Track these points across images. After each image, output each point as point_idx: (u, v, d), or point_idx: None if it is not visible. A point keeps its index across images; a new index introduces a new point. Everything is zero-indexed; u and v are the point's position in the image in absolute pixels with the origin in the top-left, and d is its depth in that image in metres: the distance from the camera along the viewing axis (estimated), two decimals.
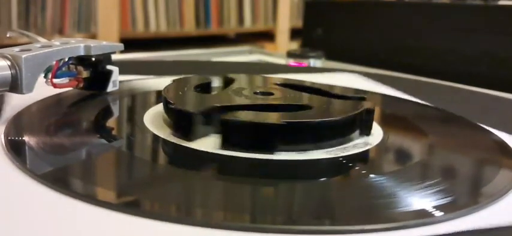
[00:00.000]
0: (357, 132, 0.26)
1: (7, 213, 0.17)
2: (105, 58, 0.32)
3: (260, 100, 0.28)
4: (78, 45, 0.29)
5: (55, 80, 0.30)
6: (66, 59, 0.30)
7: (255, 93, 0.29)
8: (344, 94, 0.29)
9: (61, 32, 1.18)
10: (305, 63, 0.57)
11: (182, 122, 0.24)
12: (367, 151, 0.25)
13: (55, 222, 0.17)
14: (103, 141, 0.25)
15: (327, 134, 0.25)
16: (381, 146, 0.26)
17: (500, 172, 0.23)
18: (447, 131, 0.31)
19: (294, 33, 1.41)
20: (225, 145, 0.23)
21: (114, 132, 0.28)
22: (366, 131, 0.27)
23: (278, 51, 0.75)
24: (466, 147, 0.28)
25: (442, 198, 0.19)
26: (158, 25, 1.33)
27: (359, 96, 0.29)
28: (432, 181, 0.21)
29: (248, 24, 1.50)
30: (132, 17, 1.29)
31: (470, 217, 0.18)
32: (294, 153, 0.23)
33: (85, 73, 0.32)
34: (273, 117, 0.24)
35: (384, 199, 0.19)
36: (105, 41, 0.32)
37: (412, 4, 0.62)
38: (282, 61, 0.60)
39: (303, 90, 0.30)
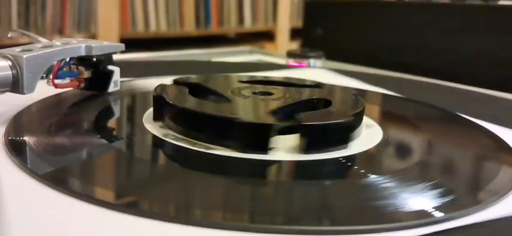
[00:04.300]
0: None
1: (7, 213, 0.17)
2: (106, 58, 0.33)
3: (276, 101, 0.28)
4: (79, 45, 0.30)
5: (56, 80, 0.30)
6: (68, 59, 0.30)
7: (254, 93, 0.29)
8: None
9: (61, 32, 1.18)
10: (305, 63, 0.57)
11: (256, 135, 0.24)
12: (367, 151, 0.25)
13: (55, 222, 0.17)
14: (103, 141, 0.25)
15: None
16: (381, 146, 0.26)
17: (501, 171, 0.23)
18: (447, 131, 0.31)
19: (294, 33, 1.40)
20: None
21: (114, 132, 0.28)
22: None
23: (278, 51, 0.75)
24: (466, 147, 0.28)
25: (442, 198, 0.19)
26: (158, 25, 1.33)
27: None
28: (432, 181, 0.21)
29: (248, 24, 1.50)
30: (132, 17, 1.29)
31: (471, 217, 0.18)
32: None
33: (86, 74, 0.32)
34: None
35: (384, 199, 0.19)
36: (105, 41, 0.32)
37: (412, 4, 0.62)
38: (282, 61, 0.60)
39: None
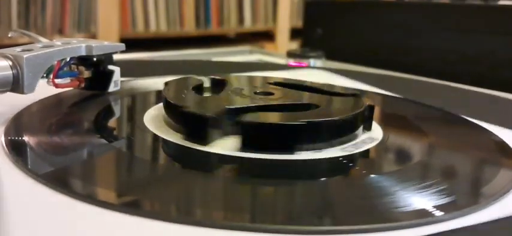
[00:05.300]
0: (361, 129, 0.27)
1: (7, 213, 0.17)
2: (107, 58, 0.33)
3: (262, 100, 0.28)
4: (79, 45, 0.30)
5: (56, 80, 0.30)
6: (68, 59, 0.30)
7: (255, 93, 0.29)
8: (341, 92, 0.30)
9: (61, 32, 1.18)
10: (305, 63, 0.57)
11: (196, 126, 0.24)
12: (367, 150, 0.25)
13: (56, 222, 0.17)
14: (103, 141, 0.25)
15: (338, 132, 0.25)
16: (381, 146, 0.26)
17: (500, 172, 0.23)
18: (447, 131, 0.31)
19: (294, 33, 1.41)
20: (245, 147, 0.23)
21: (114, 132, 0.28)
22: (368, 127, 0.28)
23: (278, 51, 0.75)
24: (466, 147, 0.28)
25: (442, 198, 0.19)
26: (158, 25, 1.33)
27: (356, 93, 0.29)
28: (432, 181, 0.21)
29: (248, 24, 1.50)
30: (132, 17, 1.29)
31: (471, 217, 0.18)
32: (311, 152, 0.24)
33: (86, 73, 0.32)
34: (292, 118, 0.25)
35: (384, 199, 0.19)
36: (105, 41, 0.32)
37: (412, 4, 0.62)
38: (282, 61, 0.60)
39: (300, 89, 0.30)
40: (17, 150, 0.22)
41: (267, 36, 1.51)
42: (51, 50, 0.28)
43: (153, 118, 0.28)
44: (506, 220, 0.18)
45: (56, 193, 0.18)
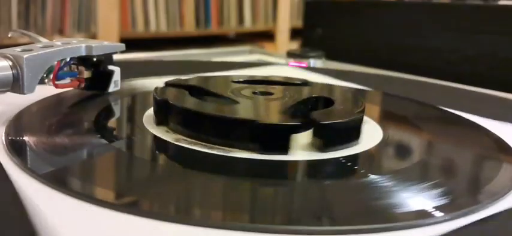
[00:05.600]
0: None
1: (7, 213, 0.17)
2: (107, 58, 0.33)
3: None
4: (79, 45, 0.30)
5: (56, 80, 0.30)
6: (68, 59, 0.30)
7: (254, 92, 0.29)
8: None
9: (61, 32, 1.18)
10: (305, 63, 0.57)
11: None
12: (367, 151, 0.25)
13: (55, 222, 0.17)
14: (103, 141, 0.25)
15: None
16: (381, 146, 0.26)
17: (500, 171, 0.23)
18: (447, 131, 0.31)
19: (294, 33, 1.41)
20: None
21: (114, 132, 0.28)
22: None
23: (278, 51, 0.75)
24: (466, 147, 0.28)
25: (442, 198, 0.19)
26: (158, 25, 1.33)
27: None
28: (432, 181, 0.21)
29: (248, 24, 1.50)
30: (132, 17, 1.29)
31: (471, 217, 0.18)
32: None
33: (86, 74, 0.32)
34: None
35: (384, 199, 0.19)
36: (105, 41, 0.32)
37: (412, 4, 0.62)
38: (282, 61, 0.60)
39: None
40: (17, 150, 0.22)
41: (267, 36, 1.51)
42: (51, 50, 0.28)
43: (153, 118, 0.28)
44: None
45: (56, 193, 0.18)
